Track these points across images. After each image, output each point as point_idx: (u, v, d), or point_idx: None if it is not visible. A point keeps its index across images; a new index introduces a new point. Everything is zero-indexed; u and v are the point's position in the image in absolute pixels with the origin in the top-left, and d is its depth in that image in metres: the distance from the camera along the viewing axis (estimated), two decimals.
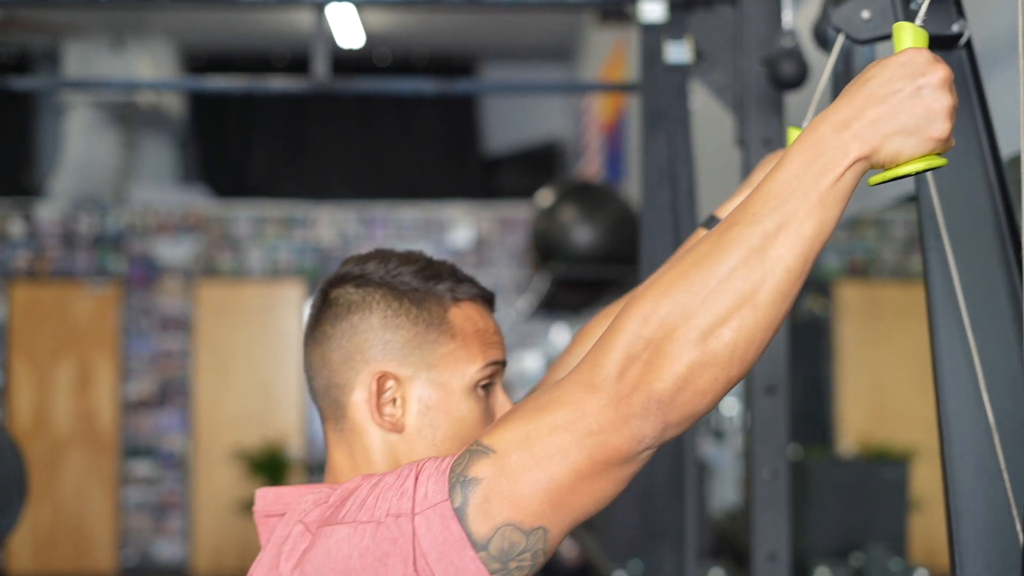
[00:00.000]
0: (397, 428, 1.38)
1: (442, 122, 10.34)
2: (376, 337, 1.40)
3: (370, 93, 3.67)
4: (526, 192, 10.37)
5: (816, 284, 7.99)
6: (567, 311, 8.55)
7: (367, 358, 1.39)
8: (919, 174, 1.16)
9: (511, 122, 10.58)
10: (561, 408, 1.14)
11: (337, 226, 9.88)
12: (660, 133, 2.64)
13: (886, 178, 1.14)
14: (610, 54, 7.66)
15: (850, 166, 1.10)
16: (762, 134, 2.25)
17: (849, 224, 7.07)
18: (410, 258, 1.45)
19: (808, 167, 1.11)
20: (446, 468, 1.17)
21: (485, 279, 7.86)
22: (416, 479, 1.18)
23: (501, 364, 1.44)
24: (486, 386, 1.43)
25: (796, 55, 2.37)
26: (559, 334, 10.16)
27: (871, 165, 1.12)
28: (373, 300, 1.41)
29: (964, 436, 1.37)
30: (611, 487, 1.15)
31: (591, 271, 6.71)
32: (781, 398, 2.09)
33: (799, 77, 2.38)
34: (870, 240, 8.18)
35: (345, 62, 9.71)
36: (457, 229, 10.03)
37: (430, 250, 7.72)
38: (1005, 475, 1.34)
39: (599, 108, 8.50)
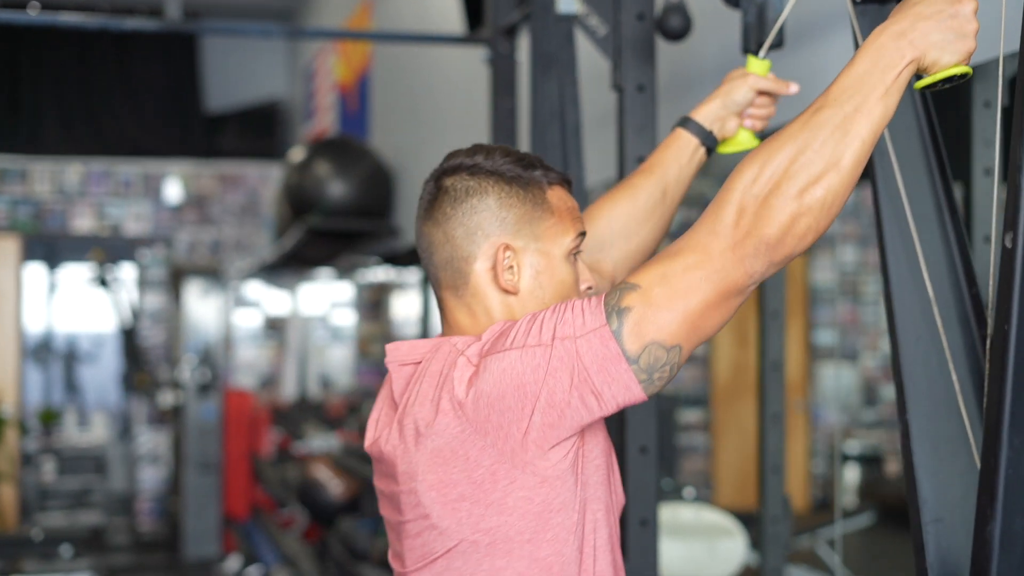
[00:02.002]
0: (514, 291, 1.67)
1: (164, 80, 10.24)
2: (493, 216, 1.68)
3: (87, 27, 3.84)
4: (248, 152, 10.45)
5: None
6: (315, 264, 8.73)
7: (487, 233, 1.68)
8: (952, 79, 1.56)
9: (232, 82, 10.60)
10: (691, 253, 1.47)
11: (55, 181, 9.65)
12: (551, 77, 2.97)
13: (928, 82, 1.55)
14: (356, 12, 7.88)
15: (906, 66, 1.50)
16: (636, 80, 2.58)
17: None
18: (507, 151, 1.74)
19: (875, 65, 1.50)
20: (599, 302, 1.48)
21: (206, 236, 8.06)
22: (572, 312, 1.48)
23: (583, 235, 1.75)
24: (576, 254, 1.74)
25: (682, 10, 2.76)
26: (307, 287, 10.32)
27: (917, 68, 1.52)
28: (488, 185, 1.70)
29: (907, 311, 1.79)
30: (727, 314, 1.50)
31: (345, 223, 6.94)
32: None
33: (684, 29, 2.77)
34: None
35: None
36: (177, 186, 10.00)
37: (149, 208, 7.91)
38: (943, 339, 1.76)
39: (332, 68, 8.71)
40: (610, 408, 1.46)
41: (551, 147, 2.96)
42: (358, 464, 6.27)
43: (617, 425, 2.43)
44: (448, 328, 1.72)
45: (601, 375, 1.44)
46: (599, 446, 1.59)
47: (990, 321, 1.55)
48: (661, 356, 1.46)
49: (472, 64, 5.06)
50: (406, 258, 7.31)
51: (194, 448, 9.16)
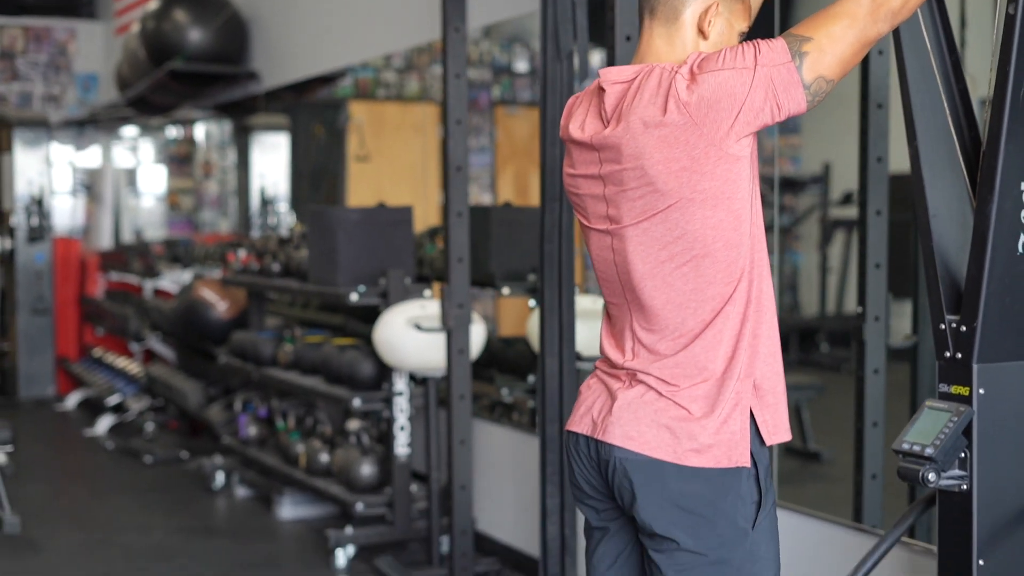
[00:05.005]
0: (706, 36, 2.41)
1: None
2: None
3: None
4: (54, 9, 10.56)
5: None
6: (163, 111, 9.07)
7: None
8: None
9: None
10: (845, 17, 2.23)
11: None
12: None
13: None
14: None
15: None
16: None
17: None
18: None
19: None
20: (784, 45, 2.27)
21: (15, 89, 8.46)
22: (768, 47, 2.24)
23: (748, 30, 2.49)
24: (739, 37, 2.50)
25: None
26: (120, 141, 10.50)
27: None
28: None
29: (915, 69, 2.69)
30: (861, 58, 2.33)
31: (206, 67, 7.43)
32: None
33: None
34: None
35: None
36: None
37: None
38: (955, 141, 2.67)
39: None
40: (784, 116, 2.28)
41: None
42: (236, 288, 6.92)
43: None
44: (645, 52, 2.40)
45: (785, 95, 2.25)
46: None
47: (993, 76, 2.48)
48: (823, 85, 2.28)
49: None
50: (254, 104, 7.86)
51: (25, 292, 9.48)
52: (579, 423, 2.31)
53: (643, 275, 2.24)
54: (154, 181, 11.24)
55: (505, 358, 5.73)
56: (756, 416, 2.19)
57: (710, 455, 2.15)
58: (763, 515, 2.19)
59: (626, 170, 2.23)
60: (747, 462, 2.16)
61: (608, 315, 2.40)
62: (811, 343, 8.63)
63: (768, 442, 2.20)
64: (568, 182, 2.40)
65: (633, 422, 2.19)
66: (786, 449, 5.18)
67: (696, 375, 2.19)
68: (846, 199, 8.96)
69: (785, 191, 8.13)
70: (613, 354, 2.33)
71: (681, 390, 2.19)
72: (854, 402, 4.07)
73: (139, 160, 11.29)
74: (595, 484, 2.29)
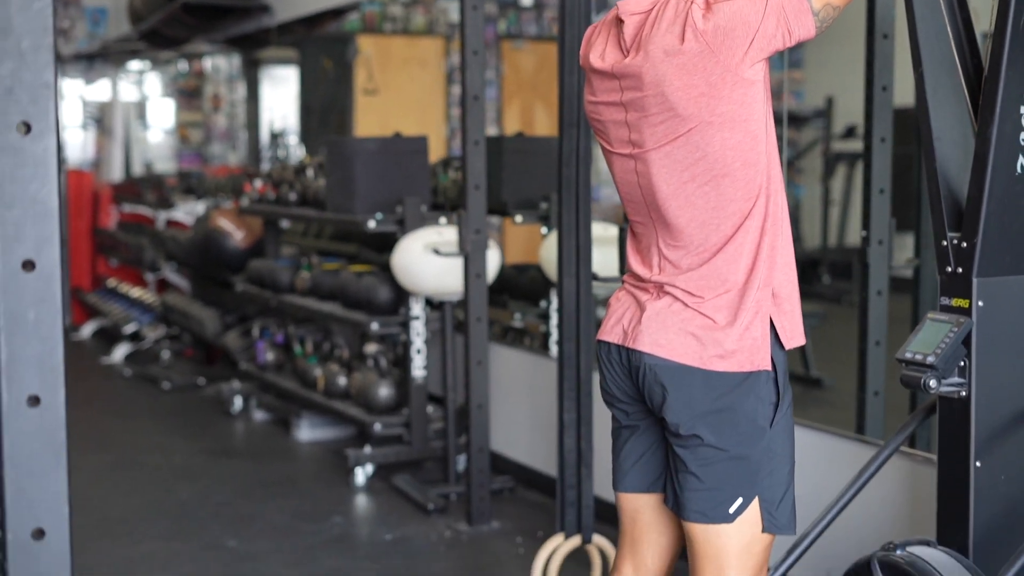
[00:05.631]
0: None
1: None
2: None
3: None
4: None
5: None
6: (175, 42, 9.17)
7: None
8: None
9: None
10: None
11: None
12: None
13: None
14: None
15: None
16: None
17: None
18: None
19: None
20: None
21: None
22: None
23: None
24: None
25: None
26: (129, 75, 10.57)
27: None
28: None
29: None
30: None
31: (218, 0, 7.52)
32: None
33: None
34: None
35: None
36: None
37: None
38: (958, 67, 2.81)
39: None
40: (795, 41, 2.42)
41: None
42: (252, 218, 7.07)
43: None
44: None
45: (796, 21, 2.39)
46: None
47: (995, 4, 2.62)
48: (831, 12, 2.42)
49: None
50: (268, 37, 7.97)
51: None
52: (610, 333, 2.47)
53: (667, 196, 2.39)
54: (163, 114, 11.36)
55: (517, 285, 5.90)
56: (775, 323, 2.35)
57: (734, 360, 2.31)
58: (780, 415, 2.36)
59: (647, 97, 2.37)
60: (768, 366, 2.33)
61: (633, 233, 2.55)
62: (813, 275, 8.80)
63: (787, 346, 2.37)
64: (590, 109, 2.54)
65: (662, 331, 2.35)
66: (788, 375, 5.35)
67: (719, 286, 2.35)
68: (848, 132, 9.09)
69: (788, 125, 8.23)
70: (640, 269, 2.49)
71: (706, 301, 2.35)
72: (857, 322, 4.24)
73: (148, 94, 11.40)
74: (626, 389, 2.46)
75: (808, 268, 8.92)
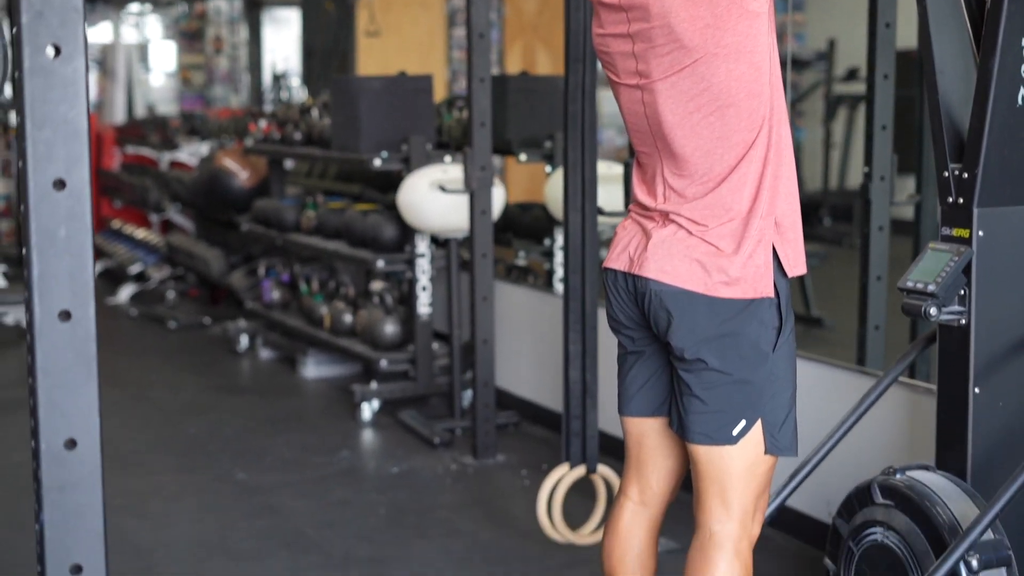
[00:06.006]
0: None
1: None
2: None
3: None
4: None
5: None
6: None
7: None
8: None
9: None
10: None
11: None
12: None
13: None
14: None
15: None
16: None
17: None
18: None
19: None
20: None
21: None
22: None
23: None
24: None
25: None
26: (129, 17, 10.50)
27: None
28: None
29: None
30: None
31: None
32: None
33: None
34: None
35: None
36: None
37: None
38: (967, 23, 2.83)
39: None
40: None
41: None
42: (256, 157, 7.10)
43: None
44: None
45: None
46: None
47: None
48: None
49: None
50: None
51: None
52: (616, 260, 2.53)
53: (673, 125, 2.43)
54: (165, 57, 11.35)
55: (521, 224, 5.94)
56: (778, 251, 2.40)
57: (738, 287, 2.36)
58: (783, 340, 2.42)
59: (654, 28, 2.41)
60: (771, 293, 2.38)
61: (639, 163, 2.60)
62: (814, 217, 8.84)
63: (789, 274, 2.42)
64: (597, 41, 2.57)
65: (667, 257, 2.40)
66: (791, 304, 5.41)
67: (723, 215, 2.40)
68: (850, 75, 9.10)
69: (790, 68, 8.25)
70: (645, 199, 2.53)
71: (710, 229, 2.39)
72: (859, 257, 4.29)
73: (150, 36, 11.39)
74: (632, 315, 2.51)
75: (809, 211, 8.96)
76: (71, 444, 1.67)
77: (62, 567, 1.67)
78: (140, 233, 9.27)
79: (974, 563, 2.57)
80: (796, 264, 2.44)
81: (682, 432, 2.45)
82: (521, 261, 5.92)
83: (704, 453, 2.42)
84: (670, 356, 2.45)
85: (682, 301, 2.38)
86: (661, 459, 2.59)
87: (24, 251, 1.64)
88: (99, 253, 9.67)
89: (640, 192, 2.56)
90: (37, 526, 1.68)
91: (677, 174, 2.45)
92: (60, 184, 1.62)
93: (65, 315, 1.64)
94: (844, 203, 8.97)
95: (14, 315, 6.28)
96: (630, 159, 2.74)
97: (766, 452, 2.41)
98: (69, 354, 1.66)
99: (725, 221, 2.39)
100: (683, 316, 2.38)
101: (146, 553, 3.90)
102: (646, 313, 2.45)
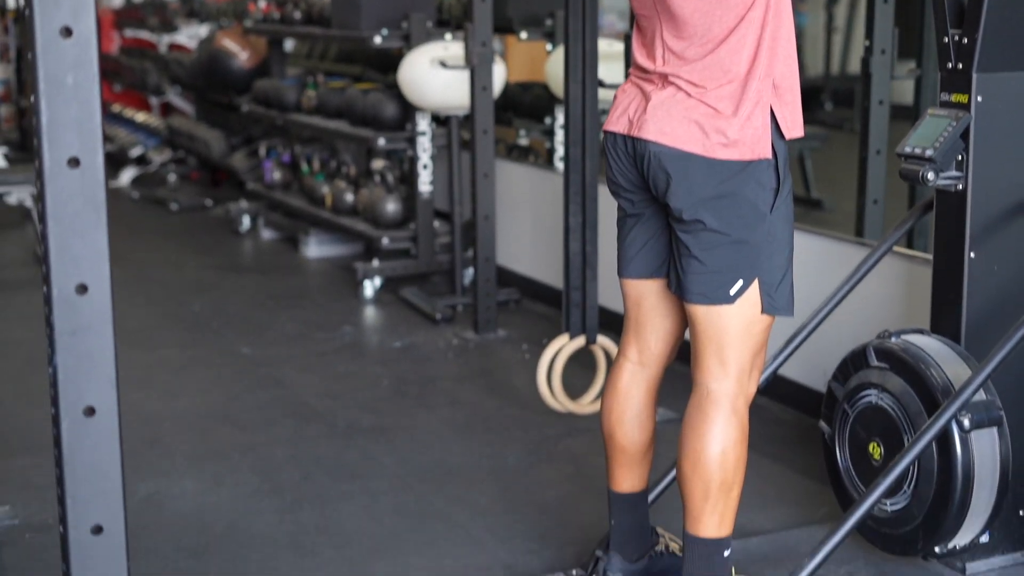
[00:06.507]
0: None
1: None
2: None
3: None
4: None
5: None
6: None
7: None
8: None
9: None
10: None
11: None
12: None
13: None
14: None
15: None
16: None
17: None
18: None
19: None
20: None
21: None
22: None
23: None
24: None
25: None
26: None
27: None
28: None
29: None
30: None
31: None
32: None
33: None
34: None
35: None
36: None
37: None
38: None
39: None
40: None
41: None
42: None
43: None
44: None
45: None
46: None
47: None
48: None
49: None
50: None
51: None
52: (616, 123, 2.54)
53: None
54: None
55: (522, 102, 5.93)
56: (776, 113, 2.42)
57: (736, 149, 2.38)
58: (780, 201, 2.44)
59: None
60: (768, 154, 2.40)
61: (639, 27, 2.60)
62: (816, 102, 8.81)
63: (787, 136, 2.44)
64: None
65: (666, 119, 2.42)
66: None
67: (721, 77, 2.41)
68: None
69: None
70: (645, 62, 2.54)
71: (709, 91, 2.41)
72: (859, 132, 4.30)
73: None
74: (631, 178, 2.53)
75: (810, 95, 8.93)
76: (82, 289, 1.71)
77: (76, 409, 1.72)
78: (140, 116, 9.24)
79: (966, 422, 2.62)
80: (794, 126, 2.45)
81: (680, 293, 2.49)
82: (522, 140, 5.92)
83: (702, 313, 2.45)
84: (669, 218, 2.48)
85: (681, 162, 2.40)
86: (659, 320, 2.64)
87: (32, 99, 1.66)
88: None
89: (639, 55, 2.56)
90: (50, 369, 1.72)
91: (676, 36, 2.46)
92: (67, 32, 1.63)
93: (74, 162, 1.67)
94: (845, 87, 8.94)
95: (17, 195, 6.29)
96: (630, 30, 2.74)
97: (763, 312, 2.45)
98: (79, 200, 1.69)
99: (724, 83, 2.40)
100: (681, 177, 2.40)
101: (154, 423, 3.97)
102: (645, 175, 2.47)
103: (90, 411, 1.72)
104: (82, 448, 1.72)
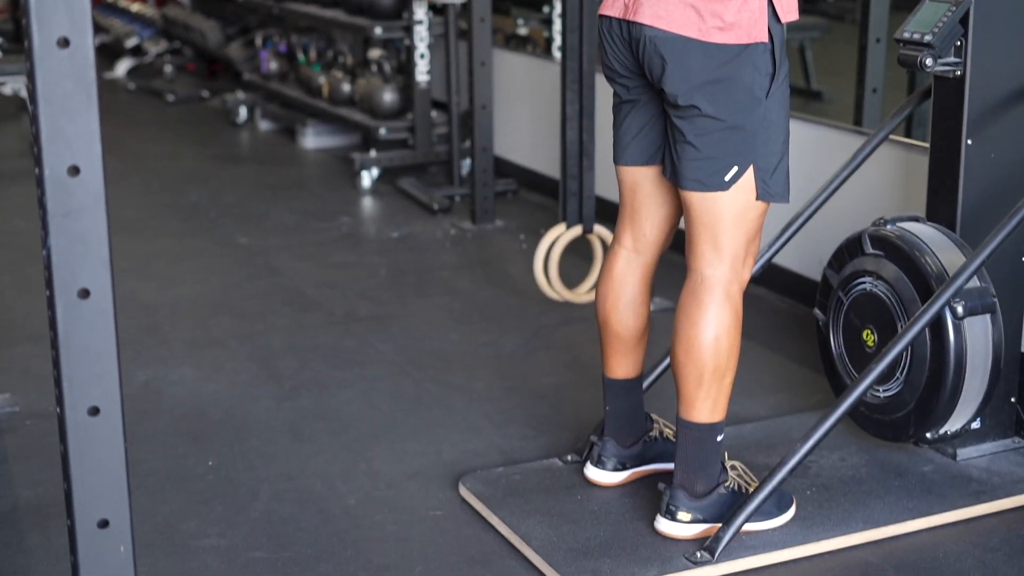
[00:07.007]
0: None
1: None
2: None
3: None
4: None
5: None
6: None
7: None
8: None
9: None
10: None
11: None
12: None
13: None
14: None
15: None
16: None
17: None
18: None
19: None
20: None
21: None
22: None
23: None
24: None
25: None
26: None
27: None
28: None
29: None
30: None
31: None
32: None
33: None
34: None
35: None
36: None
37: None
38: None
39: None
40: None
41: None
42: None
43: None
44: None
45: None
46: None
47: None
48: None
49: None
50: None
51: None
52: (611, 7, 2.51)
53: None
54: None
55: None
56: None
57: (732, 33, 2.36)
58: (776, 86, 2.42)
59: None
60: (764, 38, 2.38)
61: None
62: None
63: (782, 20, 2.41)
64: None
65: (661, 3, 2.39)
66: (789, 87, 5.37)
67: None
68: None
69: None
70: None
71: None
72: (859, 20, 4.25)
73: None
74: (626, 63, 2.51)
75: None
76: (74, 171, 1.70)
77: (70, 291, 1.72)
78: (135, 6, 9.14)
79: (959, 309, 2.63)
80: (789, 10, 2.43)
81: (675, 179, 2.48)
82: (521, 30, 5.87)
83: (697, 199, 2.45)
84: (664, 103, 2.46)
85: (676, 46, 2.37)
86: (655, 207, 2.63)
87: None
88: (95, 28, 9.55)
89: None
90: (44, 252, 1.72)
91: None
92: None
93: (64, 42, 1.65)
94: None
95: (11, 85, 6.25)
96: None
97: (757, 198, 2.45)
98: (69, 82, 1.67)
99: None
100: (677, 62, 2.38)
101: (152, 311, 3.98)
102: (640, 60, 2.45)
103: (84, 293, 1.73)
104: (77, 330, 1.72)
